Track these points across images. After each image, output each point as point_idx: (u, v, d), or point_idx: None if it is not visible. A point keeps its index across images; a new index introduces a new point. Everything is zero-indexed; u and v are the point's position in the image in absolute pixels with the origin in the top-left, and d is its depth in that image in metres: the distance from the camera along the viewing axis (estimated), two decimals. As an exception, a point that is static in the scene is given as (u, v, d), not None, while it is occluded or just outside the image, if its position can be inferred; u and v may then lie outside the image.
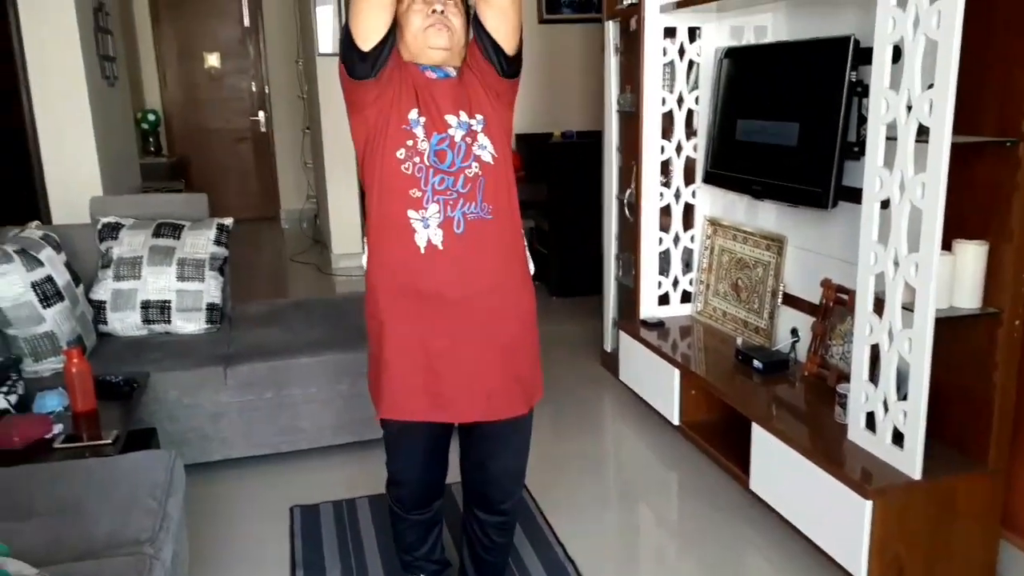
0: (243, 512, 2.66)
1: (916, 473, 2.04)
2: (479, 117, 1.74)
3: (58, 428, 2.21)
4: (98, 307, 3.01)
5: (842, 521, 2.09)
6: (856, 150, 2.47)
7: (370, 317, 1.82)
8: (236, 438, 2.85)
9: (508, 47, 1.72)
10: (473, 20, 1.74)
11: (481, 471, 1.95)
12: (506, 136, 1.80)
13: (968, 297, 2.07)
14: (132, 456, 2.06)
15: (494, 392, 1.79)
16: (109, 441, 2.15)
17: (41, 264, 2.71)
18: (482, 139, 1.73)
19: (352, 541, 2.45)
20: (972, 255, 2.05)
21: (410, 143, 1.69)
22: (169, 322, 3.05)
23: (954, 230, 2.06)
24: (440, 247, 1.69)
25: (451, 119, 1.72)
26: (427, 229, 1.69)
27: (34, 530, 1.74)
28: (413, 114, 1.71)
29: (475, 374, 1.77)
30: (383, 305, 1.76)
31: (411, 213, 1.69)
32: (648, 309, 3.46)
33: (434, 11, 1.70)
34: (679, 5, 3.11)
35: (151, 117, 7.23)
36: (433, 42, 1.71)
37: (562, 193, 5.03)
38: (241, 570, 2.35)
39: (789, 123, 2.75)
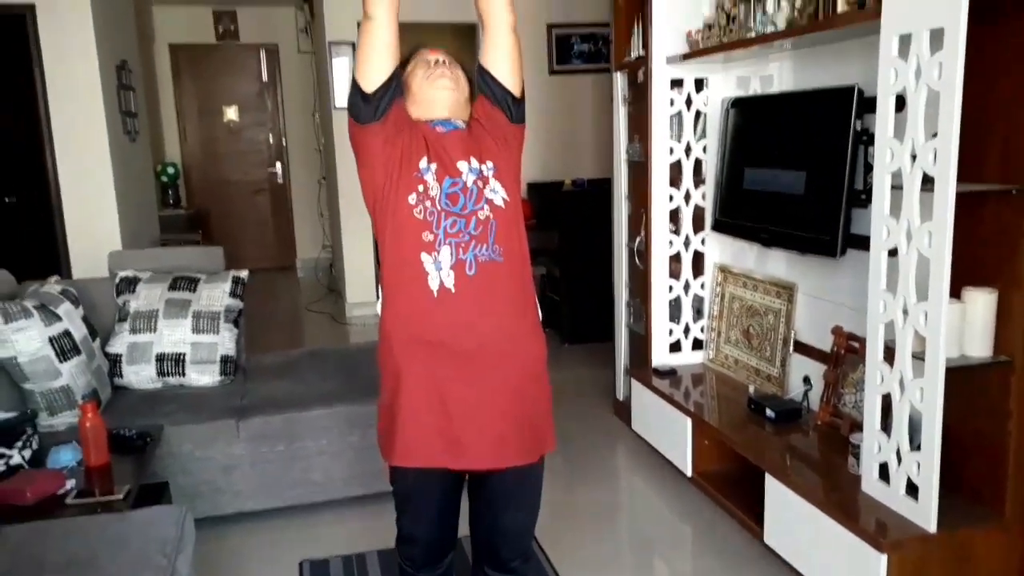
0: (253, 567, 2.65)
1: (931, 526, 2.00)
2: (489, 164, 1.80)
3: (71, 483, 2.22)
4: (114, 360, 3.05)
5: (858, 575, 2.05)
6: (863, 198, 2.47)
7: (384, 365, 1.83)
8: (248, 491, 2.85)
9: (514, 87, 1.82)
10: (478, 71, 1.83)
11: (492, 526, 1.93)
12: (516, 183, 1.85)
13: (979, 345, 2.06)
14: (142, 512, 2.07)
15: (506, 438, 1.78)
16: (120, 496, 2.16)
17: (59, 319, 2.76)
18: (493, 183, 1.78)
19: (362, 596, 2.43)
20: (982, 303, 2.05)
21: (421, 188, 1.74)
22: (183, 375, 3.08)
23: (963, 278, 2.06)
24: (452, 290, 1.72)
25: (462, 165, 1.77)
26: (440, 272, 1.72)
27: (44, 588, 1.74)
28: (423, 163, 1.76)
29: (487, 419, 1.76)
30: (397, 351, 1.77)
31: (424, 256, 1.72)
32: (660, 357, 3.45)
33: (437, 62, 1.82)
34: (685, 57, 3.17)
35: (170, 170, 7.38)
36: (439, 83, 1.81)
37: (573, 240, 5.06)
38: (251, 626, 2.33)
39: (796, 171, 2.77)
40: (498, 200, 1.77)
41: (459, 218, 1.73)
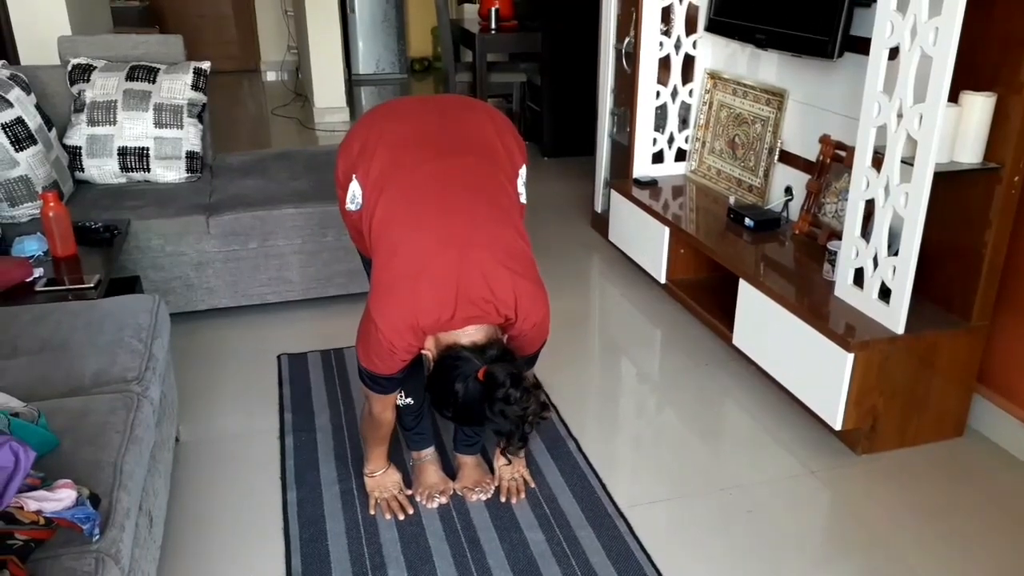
0: (231, 360, 2.68)
1: (899, 328, 2.05)
2: None
3: (39, 272, 2.17)
4: (73, 153, 2.91)
5: (823, 374, 2.13)
6: (867, -3, 2.33)
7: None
8: (221, 288, 2.84)
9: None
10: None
11: None
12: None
13: (970, 152, 2.01)
14: (115, 299, 2.04)
15: None
16: (91, 285, 2.13)
17: (10, 105, 2.59)
18: None
19: (340, 386, 2.48)
20: (979, 107, 1.98)
21: None
22: (148, 170, 2.96)
23: (961, 81, 1.98)
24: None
25: None
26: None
27: (19, 368, 1.74)
28: None
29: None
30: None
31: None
32: (641, 167, 3.39)
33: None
34: None
35: (120, -44, 6.77)
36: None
37: (557, 44, 4.79)
38: (231, 414, 2.39)
39: (799, -33, 2.58)
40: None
41: None
